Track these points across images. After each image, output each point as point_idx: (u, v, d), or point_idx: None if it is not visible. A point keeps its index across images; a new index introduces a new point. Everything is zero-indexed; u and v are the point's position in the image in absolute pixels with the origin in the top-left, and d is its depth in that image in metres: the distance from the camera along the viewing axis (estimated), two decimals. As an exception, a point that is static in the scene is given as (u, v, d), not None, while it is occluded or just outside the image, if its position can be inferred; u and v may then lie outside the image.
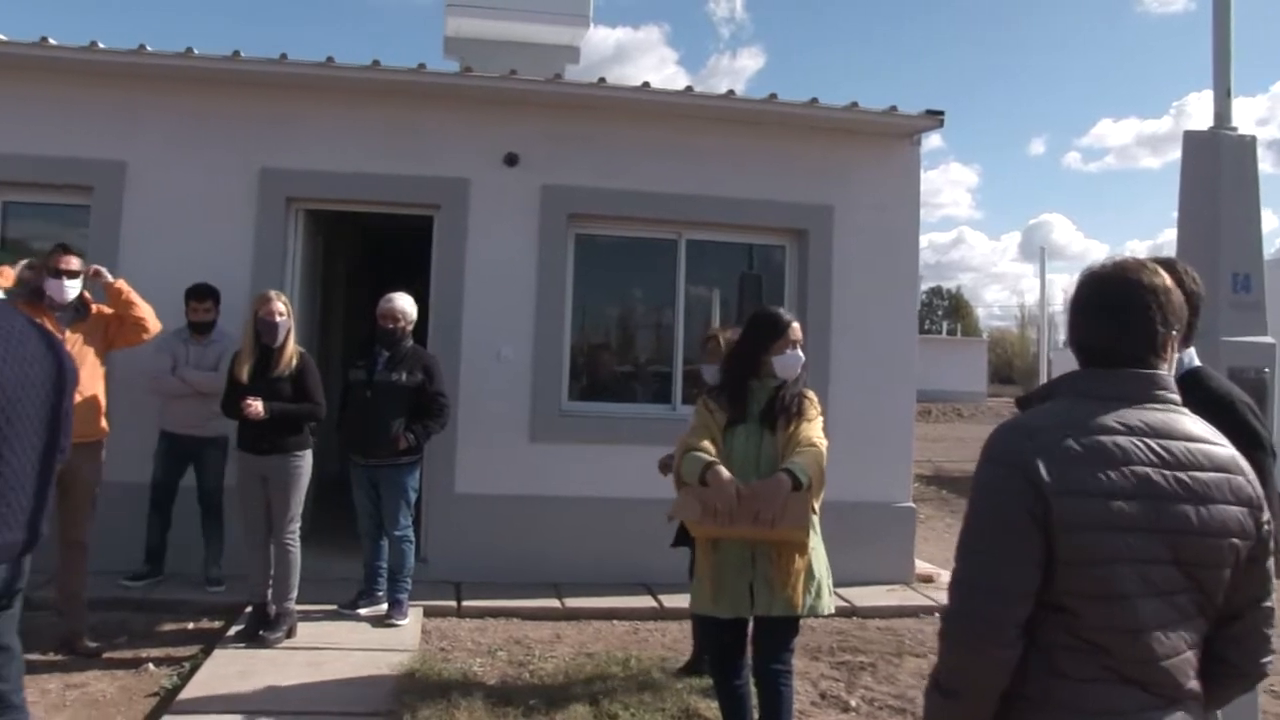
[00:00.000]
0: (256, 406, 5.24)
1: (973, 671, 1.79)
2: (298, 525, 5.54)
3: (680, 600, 6.06)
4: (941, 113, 7.23)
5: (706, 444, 3.70)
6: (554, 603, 6.54)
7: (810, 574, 3.67)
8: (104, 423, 5.32)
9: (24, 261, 5.14)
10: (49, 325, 4.87)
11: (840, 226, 7.33)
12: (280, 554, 5.50)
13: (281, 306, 5.44)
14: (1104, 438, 1.75)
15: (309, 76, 6.83)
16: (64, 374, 3.36)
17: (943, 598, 6.76)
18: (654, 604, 6.57)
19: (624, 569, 6.76)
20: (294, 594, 5.57)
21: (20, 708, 3.31)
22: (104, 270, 5.46)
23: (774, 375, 3.82)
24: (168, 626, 5.87)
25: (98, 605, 5.63)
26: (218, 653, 5.33)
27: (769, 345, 3.83)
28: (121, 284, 5.44)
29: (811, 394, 3.84)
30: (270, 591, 5.55)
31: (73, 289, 5.11)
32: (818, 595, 3.70)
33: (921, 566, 7.60)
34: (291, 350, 5.47)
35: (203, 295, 6.35)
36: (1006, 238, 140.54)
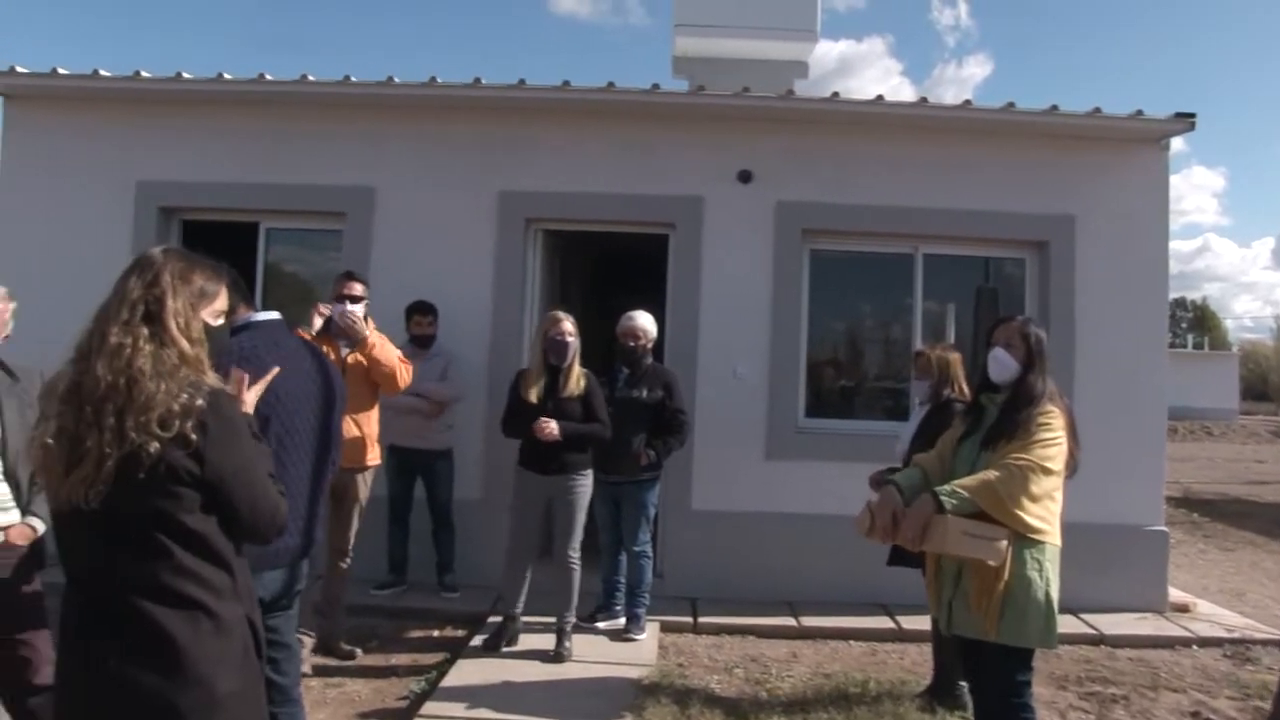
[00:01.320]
0: (551, 428, 5.40)
1: None
2: (579, 544, 5.71)
3: (918, 622, 6.09)
4: (1192, 115, 7.03)
5: (925, 457, 3.91)
6: (790, 621, 6.60)
7: (1012, 600, 3.58)
8: (375, 452, 5.60)
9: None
10: (331, 351, 5.24)
11: (1083, 237, 7.20)
12: (562, 572, 5.68)
13: (570, 326, 5.57)
14: None
15: (545, 100, 7.08)
16: (333, 391, 3.61)
17: (1201, 629, 6.59)
18: (892, 625, 6.57)
19: (860, 588, 6.77)
20: (574, 611, 5.77)
21: (298, 701, 3.58)
22: (357, 319, 5.40)
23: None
24: (414, 633, 6.21)
25: (351, 611, 5.97)
26: (462, 660, 5.59)
27: (988, 353, 3.87)
28: (373, 338, 5.43)
29: (1053, 411, 3.69)
30: (521, 605, 5.77)
31: (358, 314, 5.38)
32: (1020, 623, 3.59)
33: (1175, 595, 7.37)
34: (579, 371, 5.61)
35: (424, 310, 6.69)
36: (1258, 244, 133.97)
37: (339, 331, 5.35)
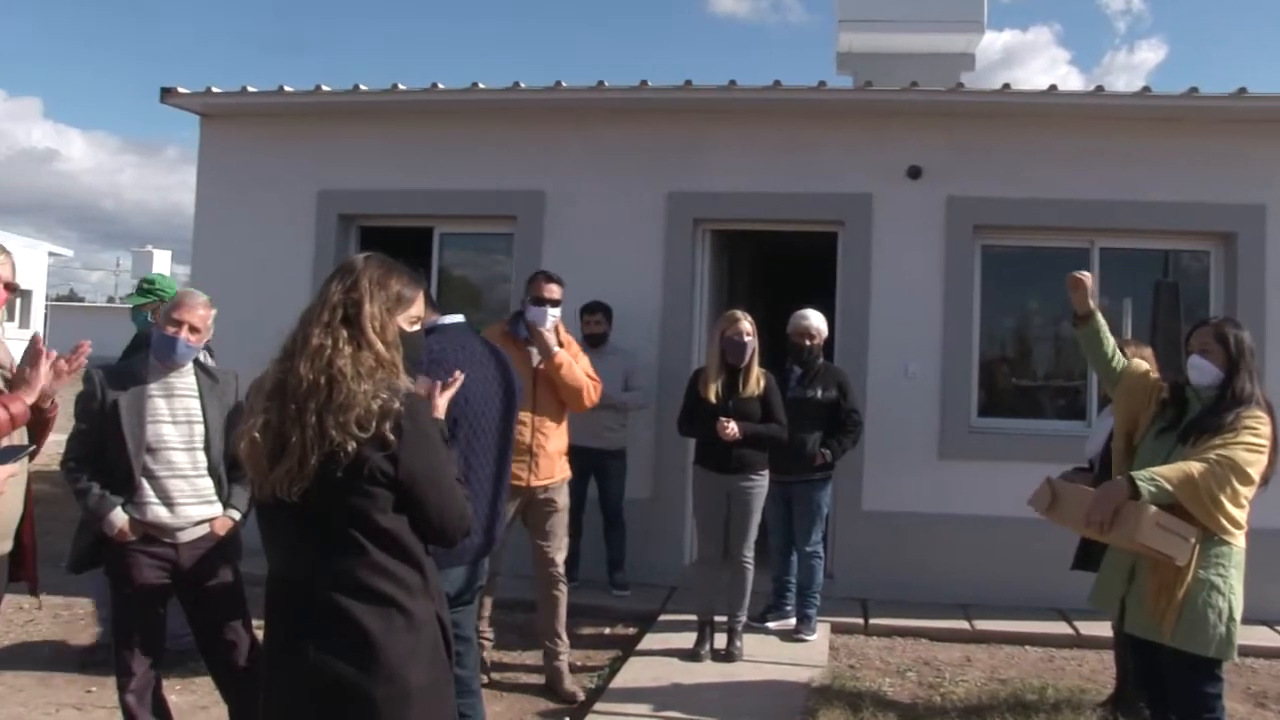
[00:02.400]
0: (732, 428, 5.49)
1: None
2: (754, 544, 5.81)
3: (1098, 628, 5.99)
4: (1399, 95, 6.77)
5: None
6: (963, 624, 6.59)
7: (1191, 603, 3.49)
8: (563, 465, 5.40)
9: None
10: (515, 354, 5.21)
11: (1274, 227, 7.00)
12: (736, 571, 5.80)
13: (748, 326, 5.63)
14: None
15: (712, 101, 7.22)
16: (513, 394, 3.78)
17: None
18: (1069, 631, 6.49)
19: (1036, 592, 6.71)
20: (745, 610, 5.89)
21: (477, 693, 3.78)
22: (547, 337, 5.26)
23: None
24: (586, 630, 6.36)
25: (523, 607, 6.11)
26: (633, 659, 5.74)
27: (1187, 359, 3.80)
28: (560, 356, 5.22)
29: (1261, 417, 3.61)
30: (717, 607, 5.85)
31: (553, 318, 5.25)
32: (1199, 628, 3.49)
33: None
34: (758, 371, 5.70)
35: (593, 309, 6.88)
36: None
37: (530, 336, 5.27)
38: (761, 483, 5.75)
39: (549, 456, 5.20)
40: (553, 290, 5.25)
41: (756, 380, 5.67)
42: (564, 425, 5.38)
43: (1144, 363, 4.15)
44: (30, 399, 3.09)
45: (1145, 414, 3.94)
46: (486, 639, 5.50)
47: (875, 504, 7.14)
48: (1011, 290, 7.51)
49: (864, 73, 8.02)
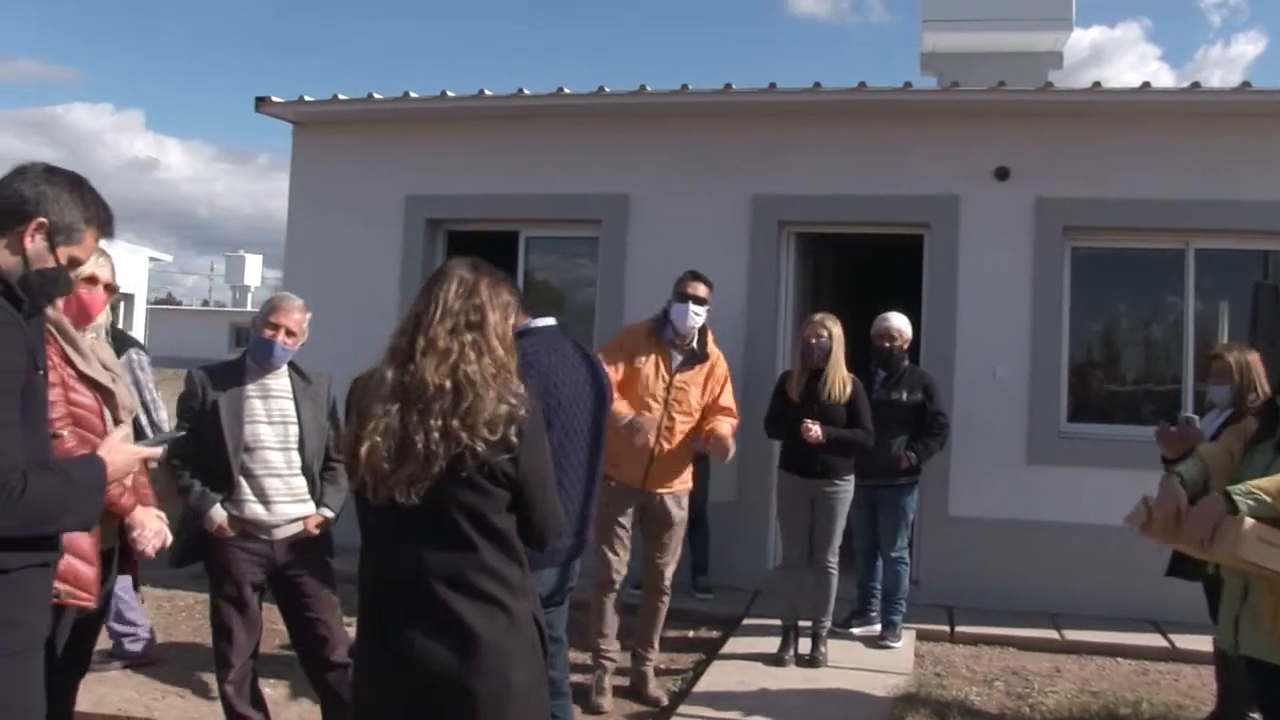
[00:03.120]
0: (816, 431, 5.53)
1: None
2: (838, 549, 5.85)
3: (1194, 641, 5.91)
4: None
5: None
6: (1051, 634, 6.53)
7: None
8: (687, 471, 5.42)
9: None
10: (657, 354, 5.24)
11: (1383, 225, 6.84)
12: (821, 577, 5.84)
13: (822, 330, 5.68)
14: None
15: (797, 103, 7.29)
16: (604, 396, 3.85)
17: None
18: (1164, 643, 6.37)
19: (1128, 603, 6.63)
20: (830, 615, 5.93)
21: (567, 694, 3.89)
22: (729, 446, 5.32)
23: None
24: (669, 633, 6.28)
25: (577, 606, 6.17)
26: (717, 662, 5.81)
27: None
28: (729, 444, 5.29)
29: None
30: (801, 612, 5.90)
31: (698, 317, 5.28)
32: None
33: None
34: (844, 375, 5.71)
35: None
36: None
37: (673, 337, 5.29)
38: (846, 488, 5.78)
39: (670, 463, 5.25)
40: (699, 288, 5.27)
41: (841, 384, 5.68)
42: (691, 435, 5.36)
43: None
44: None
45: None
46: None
47: (962, 509, 7.12)
48: (1102, 293, 7.43)
49: (949, 73, 8.00)
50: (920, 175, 7.25)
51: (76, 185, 2.37)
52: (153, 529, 3.32)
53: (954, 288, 7.18)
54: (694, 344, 5.35)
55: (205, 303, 65.45)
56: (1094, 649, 6.38)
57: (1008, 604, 6.82)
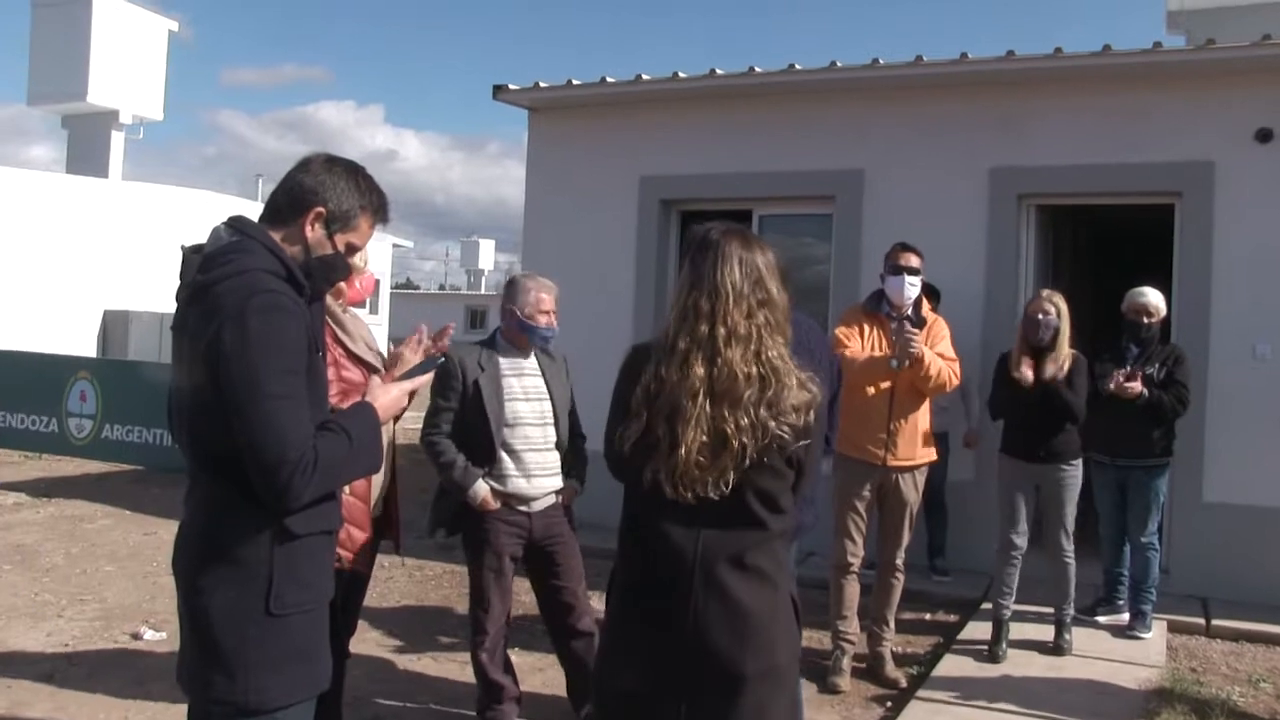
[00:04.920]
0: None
1: None
2: (1072, 535, 5.79)
3: None
4: None
5: None
6: (1323, 634, 6.24)
7: None
8: (925, 447, 5.41)
9: None
10: (877, 331, 5.33)
11: None
12: (1057, 565, 5.80)
13: (1050, 306, 5.61)
14: None
15: (1036, 70, 7.22)
16: (832, 375, 3.95)
17: None
18: None
19: None
20: (1071, 603, 5.88)
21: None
22: (915, 341, 5.13)
23: None
24: (905, 615, 6.38)
25: None
26: (955, 647, 5.87)
27: None
28: (922, 353, 5.13)
29: None
30: (1011, 604, 5.83)
31: (913, 288, 5.28)
32: None
33: None
34: (1067, 352, 5.64)
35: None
36: None
37: (889, 311, 5.32)
38: (1074, 472, 5.73)
39: (908, 437, 5.28)
40: (910, 259, 5.28)
41: (1063, 361, 5.62)
42: (926, 405, 5.41)
43: None
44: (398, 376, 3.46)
45: None
46: None
47: (1217, 495, 6.91)
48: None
49: (1199, 30, 7.71)
50: (1171, 141, 7.05)
51: (353, 173, 2.49)
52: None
53: (1208, 260, 6.97)
54: (910, 314, 5.34)
55: (441, 286, 69.33)
56: (1372, 650, 6.07)
57: (1270, 598, 6.57)
